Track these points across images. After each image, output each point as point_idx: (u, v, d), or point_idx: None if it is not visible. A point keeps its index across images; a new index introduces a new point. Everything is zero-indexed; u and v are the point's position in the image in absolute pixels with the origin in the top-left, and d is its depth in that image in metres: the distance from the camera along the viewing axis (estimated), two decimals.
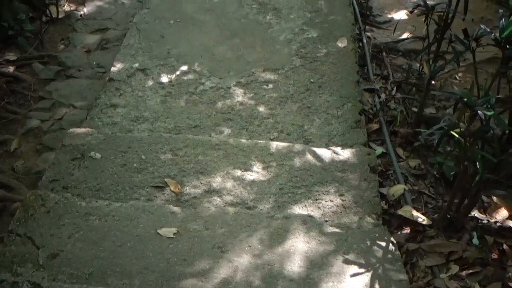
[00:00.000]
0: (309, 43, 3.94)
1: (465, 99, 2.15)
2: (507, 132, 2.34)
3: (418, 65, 3.84)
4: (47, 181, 2.72)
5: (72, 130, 3.02)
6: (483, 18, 4.97)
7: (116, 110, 3.35)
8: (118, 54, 3.77)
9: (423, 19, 3.13)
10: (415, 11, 3.10)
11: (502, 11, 2.22)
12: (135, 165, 2.81)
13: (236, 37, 4.00)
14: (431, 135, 2.47)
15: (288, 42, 3.94)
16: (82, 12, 4.46)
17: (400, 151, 3.29)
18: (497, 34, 2.22)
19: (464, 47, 2.30)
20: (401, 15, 5.07)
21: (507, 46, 2.14)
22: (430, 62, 3.20)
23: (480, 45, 2.33)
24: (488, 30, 2.22)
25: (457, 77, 4.17)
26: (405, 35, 4.64)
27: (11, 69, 3.76)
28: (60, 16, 4.34)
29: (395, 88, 3.83)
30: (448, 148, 2.76)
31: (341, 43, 3.94)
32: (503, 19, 2.20)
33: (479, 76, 4.00)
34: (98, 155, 2.85)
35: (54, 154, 2.92)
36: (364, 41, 4.32)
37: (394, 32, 4.04)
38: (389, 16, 5.09)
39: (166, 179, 2.73)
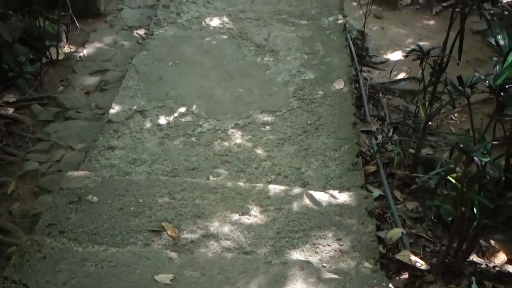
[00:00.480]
0: (306, 85, 3.98)
1: (461, 145, 2.17)
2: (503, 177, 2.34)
3: (414, 106, 3.88)
4: (44, 225, 2.70)
5: (69, 173, 3.02)
6: (477, 59, 5.04)
7: (114, 152, 3.35)
8: (117, 96, 3.80)
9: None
10: (411, 55, 3.14)
11: (496, 58, 2.26)
12: (132, 208, 2.80)
13: (234, 79, 4.04)
14: (428, 179, 2.48)
15: (285, 84, 3.98)
16: (82, 54, 4.51)
17: (397, 194, 3.29)
18: (492, 80, 2.24)
19: (459, 94, 2.33)
20: (397, 55, 5.15)
21: (501, 93, 2.16)
22: (426, 105, 3.24)
23: (474, 92, 2.36)
24: (482, 77, 2.26)
25: (453, 118, 4.20)
26: (401, 76, 4.69)
27: (10, 111, 3.78)
28: (60, 57, 4.38)
29: (392, 130, 3.86)
30: (445, 192, 2.76)
31: (338, 85, 3.98)
32: (497, 67, 2.23)
33: (474, 117, 4.05)
34: (95, 199, 2.84)
35: (51, 198, 2.91)
36: (361, 82, 4.37)
37: (390, 74, 4.09)
38: (385, 56, 5.16)
39: (163, 223, 2.72)
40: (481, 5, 3.67)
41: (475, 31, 5.42)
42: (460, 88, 2.31)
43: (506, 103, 2.15)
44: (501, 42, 2.27)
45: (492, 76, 2.22)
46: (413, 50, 3.06)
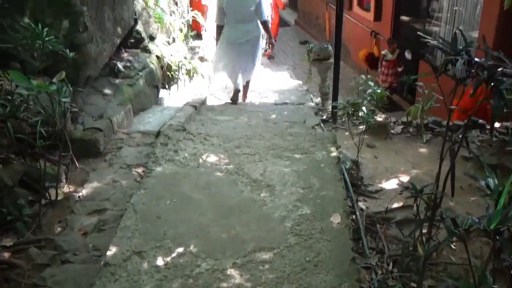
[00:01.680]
0: (303, 220, 4.00)
1: None
2: None
3: (412, 240, 3.88)
4: None
5: None
6: (471, 185, 5.12)
7: None
8: (115, 237, 3.79)
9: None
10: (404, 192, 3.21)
11: (488, 201, 2.31)
12: None
13: (231, 216, 4.06)
14: None
15: (282, 220, 4.00)
16: (81, 194, 4.57)
17: None
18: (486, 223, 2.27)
19: (455, 237, 2.35)
20: (391, 184, 5.24)
21: (497, 237, 2.18)
22: (424, 241, 3.25)
23: (470, 237, 2.39)
24: (477, 220, 2.29)
25: (453, 246, 4.19)
26: (396, 204, 4.73)
27: (6, 255, 3.75)
28: (59, 198, 4.43)
29: (391, 263, 3.83)
30: None
31: (335, 219, 4.00)
32: (490, 210, 2.27)
33: (473, 244, 4.05)
34: None
35: None
36: (357, 213, 4.41)
37: (387, 207, 4.14)
38: (380, 185, 5.25)
39: None
40: (469, 140, 3.83)
41: (466, 158, 5.55)
42: (455, 231, 2.33)
43: (502, 247, 2.17)
44: (492, 185, 2.33)
45: (486, 219, 2.25)
46: (406, 188, 3.13)
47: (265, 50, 12.55)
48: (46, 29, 4.20)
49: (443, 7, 9.44)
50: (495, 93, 2.43)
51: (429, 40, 3.11)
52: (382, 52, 10.84)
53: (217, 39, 8.37)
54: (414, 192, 3.06)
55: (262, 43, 8.83)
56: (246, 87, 8.76)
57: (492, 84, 2.53)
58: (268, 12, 9.16)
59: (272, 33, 13.06)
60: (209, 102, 8.43)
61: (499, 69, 2.56)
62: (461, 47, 2.78)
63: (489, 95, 2.62)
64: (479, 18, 8.39)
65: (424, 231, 3.45)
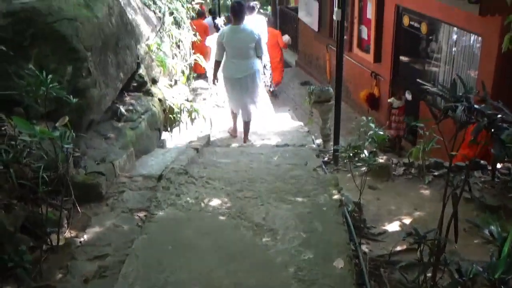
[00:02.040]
0: (306, 265, 3.96)
1: None
2: None
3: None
4: None
5: None
6: (471, 228, 5.08)
7: None
8: (116, 284, 3.75)
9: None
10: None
11: (492, 249, 2.30)
12: None
13: (233, 262, 4.03)
14: None
15: (285, 265, 3.96)
16: (82, 239, 4.54)
17: None
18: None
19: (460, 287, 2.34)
20: (394, 226, 5.21)
21: (502, 287, 2.16)
22: (428, 286, 3.22)
23: (476, 283, 2.37)
24: (481, 269, 2.27)
25: None
26: (400, 248, 4.69)
27: None
28: (61, 243, 4.39)
29: None
30: None
31: (338, 264, 3.97)
32: (493, 258, 2.26)
33: None
34: None
35: None
36: (361, 257, 4.36)
37: (391, 252, 4.11)
38: (383, 227, 5.22)
39: None
40: (470, 181, 3.83)
41: (468, 199, 5.53)
42: (460, 280, 2.32)
43: None
44: (495, 234, 2.32)
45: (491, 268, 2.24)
46: (409, 233, 3.11)
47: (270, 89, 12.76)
48: (50, 76, 4.25)
49: (442, 49, 9.55)
50: (496, 140, 2.45)
51: (429, 87, 3.14)
52: (389, 100, 10.83)
53: (214, 74, 8.60)
54: (417, 238, 3.04)
55: (265, 80, 9.04)
56: (246, 129, 8.83)
57: (493, 130, 2.55)
58: (265, 51, 9.48)
59: (276, 72, 13.42)
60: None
61: (499, 116, 2.58)
62: (460, 93, 2.80)
63: (489, 140, 2.63)
64: (477, 58, 8.48)
65: (429, 274, 3.42)
